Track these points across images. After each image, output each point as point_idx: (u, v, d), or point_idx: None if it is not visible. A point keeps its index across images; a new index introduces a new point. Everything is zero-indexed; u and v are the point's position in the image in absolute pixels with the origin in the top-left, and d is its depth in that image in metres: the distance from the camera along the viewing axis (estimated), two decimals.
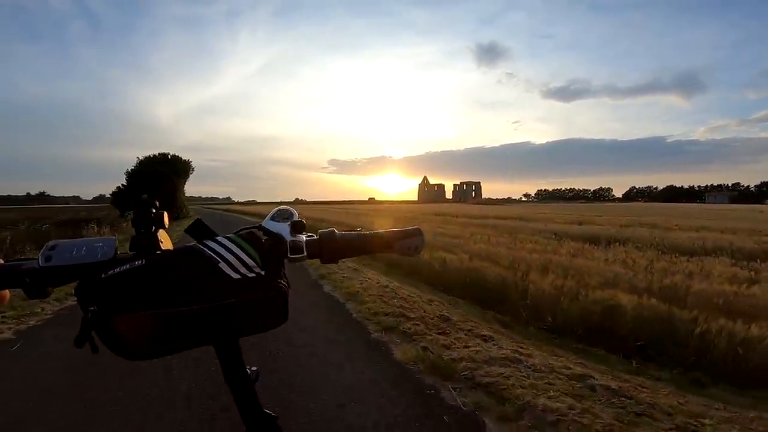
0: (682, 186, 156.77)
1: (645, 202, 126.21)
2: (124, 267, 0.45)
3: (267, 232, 0.52)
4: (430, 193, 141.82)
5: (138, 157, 29.81)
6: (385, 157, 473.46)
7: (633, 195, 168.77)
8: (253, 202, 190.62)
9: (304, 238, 0.53)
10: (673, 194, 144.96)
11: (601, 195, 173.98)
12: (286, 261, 0.52)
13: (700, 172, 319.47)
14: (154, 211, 0.51)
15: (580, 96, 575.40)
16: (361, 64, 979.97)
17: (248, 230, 0.51)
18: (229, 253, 0.47)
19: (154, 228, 0.50)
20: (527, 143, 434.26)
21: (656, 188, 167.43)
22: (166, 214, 0.52)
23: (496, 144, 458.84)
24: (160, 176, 27.06)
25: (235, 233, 0.50)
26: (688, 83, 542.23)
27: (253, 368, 0.54)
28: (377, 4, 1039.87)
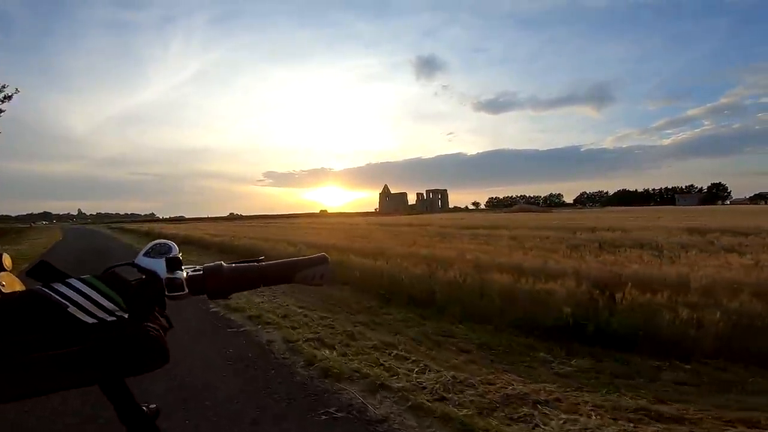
0: (636, 190, 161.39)
1: (599, 206, 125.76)
2: None
3: (140, 269, 0.48)
4: (392, 202, 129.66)
5: None
6: (324, 169, 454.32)
7: (584, 200, 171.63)
8: (181, 218, 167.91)
9: (184, 275, 0.49)
10: (626, 198, 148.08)
11: (552, 201, 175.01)
12: (167, 300, 0.48)
13: (611, 178, 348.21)
14: None
15: (507, 108, 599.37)
16: (301, 75, 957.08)
17: (111, 270, 0.47)
18: (82, 296, 0.43)
19: None
20: (460, 154, 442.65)
21: (607, 193, 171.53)
22: (6, 256, 0.49)
23: (432, 155, 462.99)
24: None
25: (94, 274, 0.46)
26: (599, 95, 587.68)
27: (152, 405, 0.50)
28: (323, 15, 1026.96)
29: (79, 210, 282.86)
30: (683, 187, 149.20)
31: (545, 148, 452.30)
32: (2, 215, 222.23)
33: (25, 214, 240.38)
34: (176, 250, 0.50)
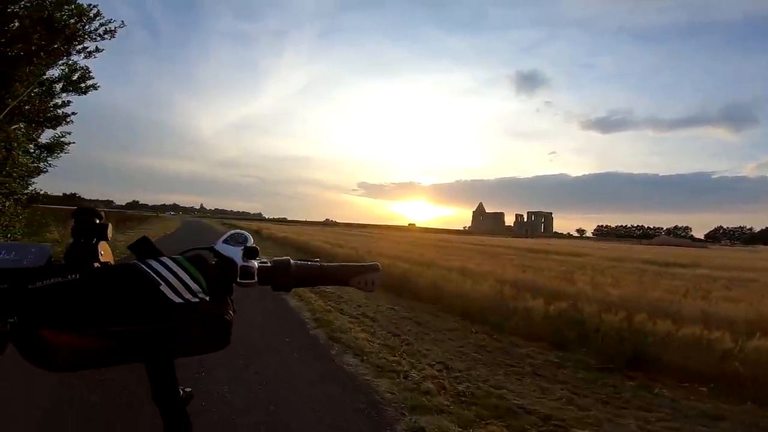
0: None
1: (741, 244, 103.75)
2: (56, 279, 0.42)
3: (217, 254, 0.51)
4: (486, 221, 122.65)
5: None
6: (414, 183, 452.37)
7: (719, 236, 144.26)
8: (284, 220, 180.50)
9: (257, 264, 0.51)
10: None
11: (677, 234, 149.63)
12: (235, 285, 0.50)
13: (750, 212, 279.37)
14: (97, 221, 0.48)
15: (620, 127, 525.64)
16: (394, 88, 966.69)
17: (196, 252, 0.49)
18: (173, 275, 0.45)
19: (95, 240, 0.47)
20: (562, 175, 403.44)
21: (751, 229, 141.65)
22: (110, 227, 0.49)
23: (529, 175, 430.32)
24: None
25: (181, 254, 0.48)
26: (736, 116, 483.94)
27: (187, 389, 0.50)
28: (415, 29, 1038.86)
29: (201, 205, 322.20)
30: None
31: (666, 173, 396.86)
32: (141, 204, 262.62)
33: (159, 204, 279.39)
34: (252, 240, 0.52)
